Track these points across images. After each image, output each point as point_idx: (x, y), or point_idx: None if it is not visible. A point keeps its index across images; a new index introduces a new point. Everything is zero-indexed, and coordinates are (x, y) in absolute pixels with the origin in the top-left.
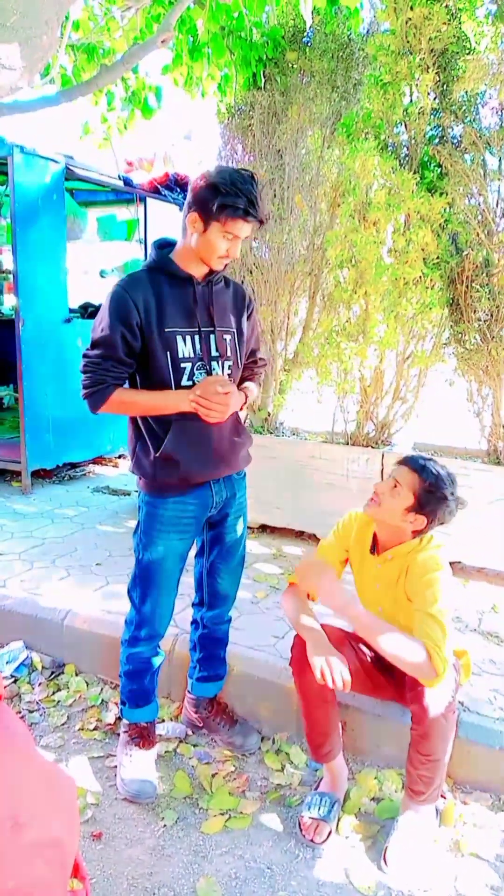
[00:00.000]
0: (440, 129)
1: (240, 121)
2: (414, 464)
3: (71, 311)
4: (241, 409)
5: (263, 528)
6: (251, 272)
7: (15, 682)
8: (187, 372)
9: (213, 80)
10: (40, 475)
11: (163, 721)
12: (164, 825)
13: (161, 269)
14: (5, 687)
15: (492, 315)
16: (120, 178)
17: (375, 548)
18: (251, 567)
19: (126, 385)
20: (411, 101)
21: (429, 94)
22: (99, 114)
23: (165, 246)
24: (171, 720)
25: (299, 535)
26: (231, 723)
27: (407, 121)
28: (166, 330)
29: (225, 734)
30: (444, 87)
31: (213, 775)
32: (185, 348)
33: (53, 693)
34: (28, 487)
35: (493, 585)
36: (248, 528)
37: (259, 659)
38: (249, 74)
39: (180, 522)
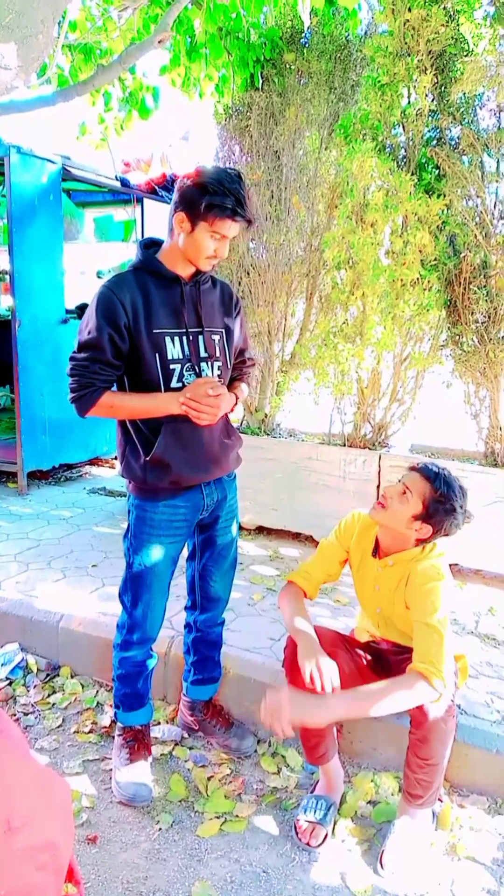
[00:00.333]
0: (438, 130)
1: (237, 122)
2: (427, 472)
3: (67, 311)
4: (231, 410)
5: (260, 530)
6: (248, 273)
7: (10, 684)
8: (177, 373)
9: (211, 81)
10: (36, 476)
11: (158, 724)
12: (160, 829)
13: (147, 270)
14: (0, 689)
15: (489, 317)
16: (117, 179)
17: (377, 551)
18: (247, 569)
19: (114, 388)
20: (409, 102)
21: (427, 95)
22: (96, 114)
23: (151, 246)
24: (167, 723)
25: (296, 536)
26: (227, 725)
27: (405, 122)
28: (154, 331)
29: (221, 737)
30: (442, 88)
31: (209, 778)
32: (173, 349)
33: (49, 695)
34: (24, 488)
35: (490, 588)
36: (245, 529)
37: (255, 661)
38: (247, 75)
39: (171, 526)
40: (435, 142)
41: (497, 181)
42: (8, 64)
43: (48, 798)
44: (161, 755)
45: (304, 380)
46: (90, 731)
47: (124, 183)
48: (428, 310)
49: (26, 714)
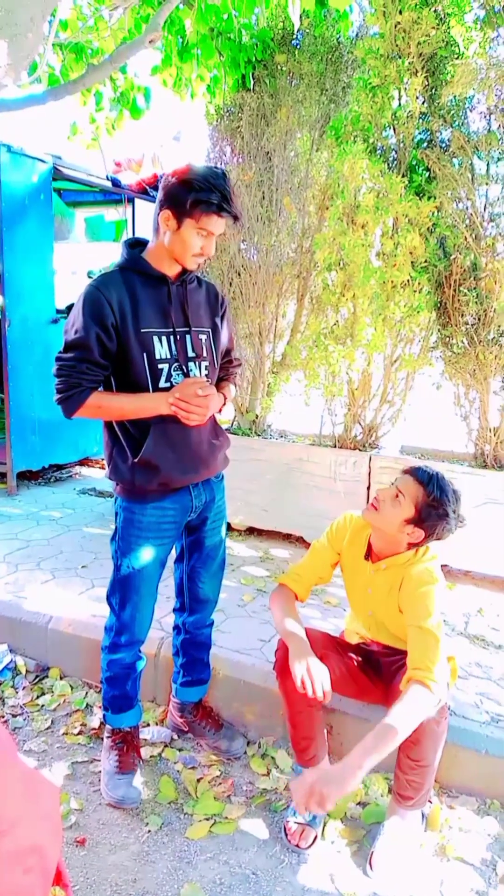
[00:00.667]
0: (428, 132)
1: (228, 122)
2: (420, 475)
3: (58, 311)
4: (219, 411)
5: (251, 531)
6: (239, 274)
7: None
8: (165, 373)
9: (202, 82)
10: (26, 477)
11: (148, 725)
12: (149, 831)
13: (134, 269)
14: None
15: (479, 319)
16: (108, 179)
17: (370, 554)
18: (238, 570)
19: (101, 389)
20: (400, 104)
21: (417, 97)
22: (87, 114)
23: (137, 245)
24: (157, 724)
25: (286, 537)
26: (216, 727)
27: (395, 124)
28: (142, 330)
29: (210, 738)
30: (433, 91)
31: (199, 780)
32: (161, 349)
33: (38, 697)
34: (13, 489)
35: (479, 589)
36: (236, 530)
37: (245, 663)
38: (238, 76)
39: (159, 528)
40: (425, 144)
41: (487, 184)
42: None
43: (36, 801)
44: (150, 757)
45: (294, 381)
46: (79, 733)
47: (115, 183)
48: (418, 311)
49: (15, 716)
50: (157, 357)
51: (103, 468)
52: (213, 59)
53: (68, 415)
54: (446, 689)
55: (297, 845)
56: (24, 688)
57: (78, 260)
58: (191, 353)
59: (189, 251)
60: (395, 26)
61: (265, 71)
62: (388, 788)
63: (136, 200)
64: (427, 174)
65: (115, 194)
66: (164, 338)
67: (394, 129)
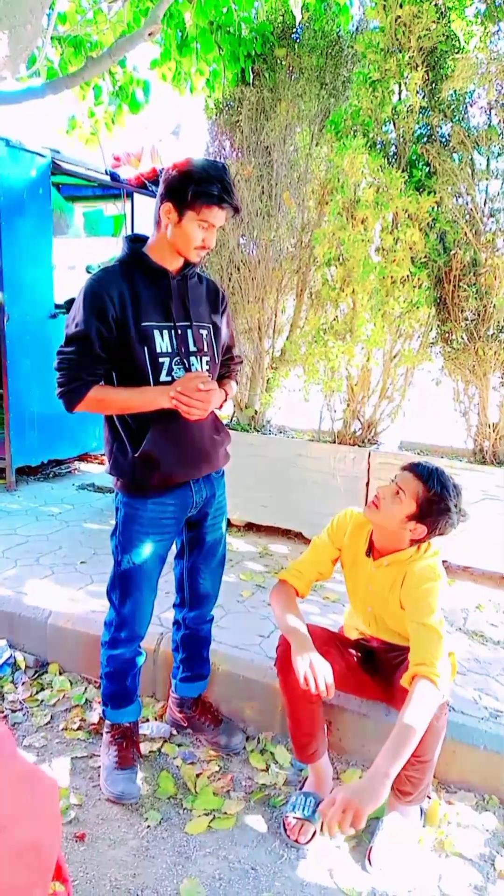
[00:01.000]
0: (429, 127)
1: (228, 117)
2: (420, 471)
3: (57, 306)
4: (220, 407)
5: (249, 527)
6: (238, 269)
7: None
8: (166, 367)
9: (202, 76)
10: (25, 472)
11: (147, 721)
12: (148, 826)
13: (134, 263)
14: None
15: (479, 314)
16: (107, 174)
17: (371, 550)
18: (237, 565)
19: (102, 383)
20: (400, 99)
21: (417, 92)
22: (86, 108)
23: (138, 240)
24: (156, 720)
25: (285, 533)
26: (216, 722)
27: (395, 119)
28: (143, 324)
29: (210, 734)
30: (433, 85)
31: (198, 775)
32: (162, 343)
33: (37, 692)
34: (12, 485)
35: (478, 584)
36: (235, 526)
37: (244, 658)
38: (238, 70)
39: (160, 523)
40: (425, 139)
41: (487, 179)
42: None
43: (35, 797)
44: (150, 752)
45: (294, 376)
46: (78, 729)
47: (114, 177)
48: (418, 307)
49: (14, 711)
50: (158, 351)
51: (102, 464)
52: (212, 52)
53: (70, 409)
54: (449, 685)
55: (297, 840)
56: (23, 683)
57: (77, 255)
58: (192, 348)
59: (191, 243)
60: (396, 20)
61: (265, 65)
62: None
63: (136, 195)
64: (427, 169)
65: (114, 189)
66: (164, 332)
67: (394, 124)
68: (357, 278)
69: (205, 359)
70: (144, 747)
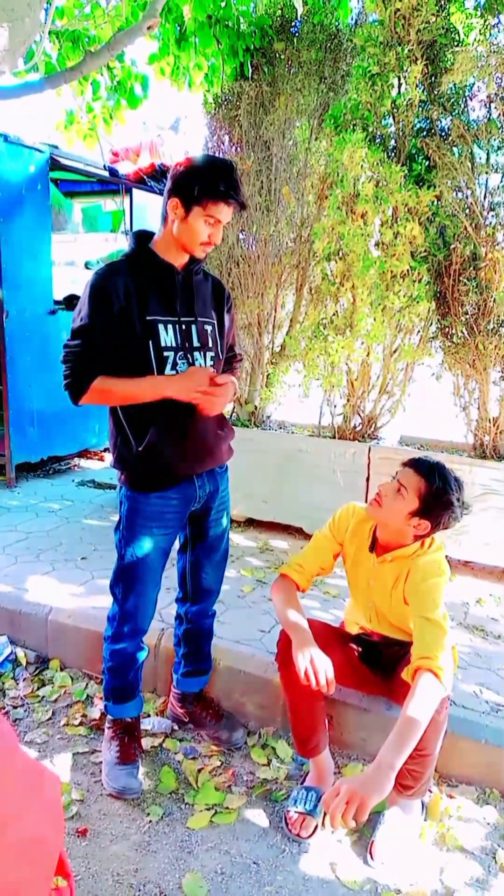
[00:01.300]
0: (428, 121)
1: (227, 111)
2: (421, 467)
3: (56, 302)
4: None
5: (250, 522)
6: (238, 264)
7: None
8: (170, 361)
9: (200, 70)
10: (25, 469)
11: (148, 716)
12: (150, 821)
13: (140, 258)
14: None
15: (479, 309)
16: (105, 169)
17: (374, 546)
18: (238, 560)
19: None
20: (399, 92)
21: (417, 85)
22: (84, 103)
23: (144, 236)
24: (157, 715)
25: (286, 528)
26: (217, 717)
27: (395, 112)
28: (147, 318)
29: (211, 729)
30: (433, 78)
31: (199, 770)
32: (167, 337)
33: (38, 688)
34: (12, 481)
35: (478, 579)
36: (235, 521)
37: (245, 653)
38: (236, 64)
39: (163, 518)
40: (425, 132)
41: (487, 172)
42: None
43: (37, 792)
44: (151, 747)
45: (293, 372)
46: (80, 724)
47: (113, 172)
48: (418, 301)
49: (15, 707)
50: (163, 344)
51: (102, 460)
52: (210, 47)
53: (75, 400)
54: (452, 679)
55: (298, 835)
56: (24, 679)
57: (76, 251)
58: (196, 343)
59: (197, 239)
60: (395, 13)
61: (263, 59)
62: None
63: (134, 190)
64: (427, 163)
65: (112, 184)
66: (169, 326)
67: (393, 118)
68: (357, 273)
69: (209, 354)
70: (146, 742)
